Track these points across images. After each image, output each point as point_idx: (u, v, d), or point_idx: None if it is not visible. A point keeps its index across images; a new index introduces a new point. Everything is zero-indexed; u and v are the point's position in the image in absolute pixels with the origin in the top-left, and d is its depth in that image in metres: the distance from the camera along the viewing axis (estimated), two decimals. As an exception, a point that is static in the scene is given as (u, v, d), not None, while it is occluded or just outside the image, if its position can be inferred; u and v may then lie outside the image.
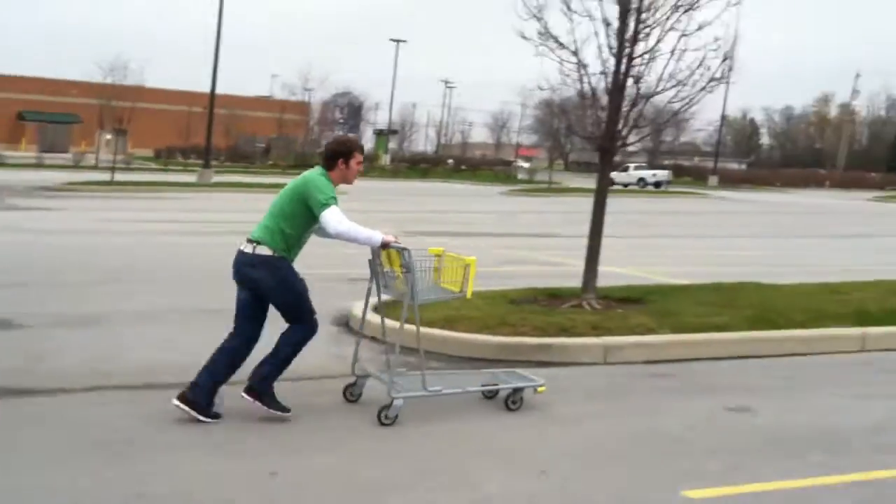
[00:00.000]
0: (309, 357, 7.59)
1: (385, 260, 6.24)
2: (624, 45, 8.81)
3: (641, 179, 62.04)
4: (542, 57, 8.97)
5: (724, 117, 75.47)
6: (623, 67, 8.90)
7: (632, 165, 66.04)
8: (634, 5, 8.71)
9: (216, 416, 5.87)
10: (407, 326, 6.14)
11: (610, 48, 8.86)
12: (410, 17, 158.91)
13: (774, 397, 7.03)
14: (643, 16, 8.71)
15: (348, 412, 6.23)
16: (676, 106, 9.21)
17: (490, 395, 6.60)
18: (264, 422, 5.87)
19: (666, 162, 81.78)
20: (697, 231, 25.30)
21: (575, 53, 8.96)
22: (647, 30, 8.74)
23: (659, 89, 8.87)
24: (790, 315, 9.19)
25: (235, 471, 4.97)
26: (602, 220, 9.49)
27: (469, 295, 6.30)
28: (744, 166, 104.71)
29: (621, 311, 9.06)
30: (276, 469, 5.00)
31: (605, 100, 9.09)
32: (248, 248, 6.02)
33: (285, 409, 5.96)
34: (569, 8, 8.92)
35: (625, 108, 8.99)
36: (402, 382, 6.13)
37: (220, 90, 42.44)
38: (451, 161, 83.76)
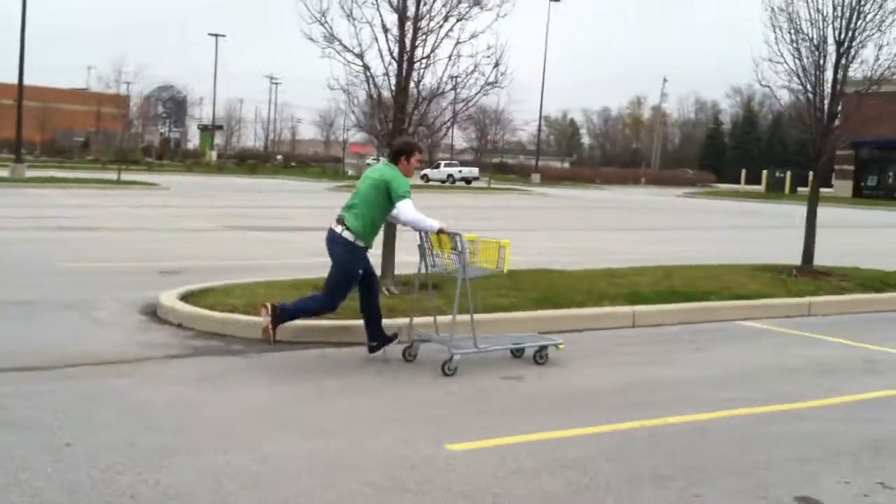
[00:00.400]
0: (111, 343, 7.89)
1: (436, 243, 7.67)
2: (404, 49, 9.44)
3: (450, 176, 64.89)
4: (330, 59, 9.49)
5: (541, 118, 78.55)
6: (404, 71, 9.53)
7: (443, 163, 69.36)
8: (410, 13, 9.34)
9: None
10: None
11: (391, 53, 9.48)
12: (232, 12, 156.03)
13: (547, 367, 7.81)
14: (420, 23, 9.35)
15: (143, 390, 6.56)
16: (458, 107, 9.94)
17: (518, 354, 7.99)
18: (63, 400, 6.15)
19: (494, 160, 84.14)
20: (513, 224, 26.45)
21: (360, 56, 9.52)
22: (424, 37, 9.39)
23: (439, 91, 9.57)
24: (571, 296, 10.09)
25: (30, 443, 5.25)
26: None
27: (506, 270, 7.70)
28: (567, 164, 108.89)
29: (417, 295, 9.69)
30: (71, 441, 5.30)
31: (390, 100, 9.69)
32: (338, 229, 7.47)
33: (270, 341, 7.49)
34: (350, 14, 9.46)
35: (409, 108, 9.62)
36: (459, 343, 7.45)
37: (31, 81, 40.86)
38: (279, 157, 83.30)
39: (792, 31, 12.16)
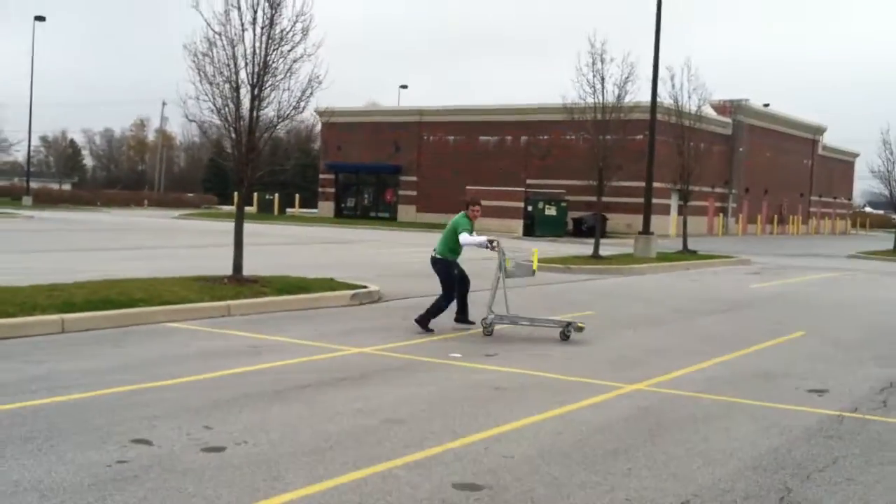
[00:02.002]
0: None
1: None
2: None
3: None
4: None
5: (31, 137, 75.14)
6: None
7: None
8: None
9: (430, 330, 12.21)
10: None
11: None
12: None
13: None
14: None
15: None
16: None
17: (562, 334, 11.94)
18: None
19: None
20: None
21: None
22: None
23: None
24: (3, 308, 11.00)
25: None
26: None
27: (535, 268, 12.75)
28: (68, 186, 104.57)
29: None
30: None
31: None
32: (435, 254, 12.48)
33: (429, 330, 12.14)
34: None
35: None
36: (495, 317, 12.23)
37: None
38: None
39: (214, 73, 14.14)
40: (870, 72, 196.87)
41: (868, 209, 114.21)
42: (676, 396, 8.91)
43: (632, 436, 7.35)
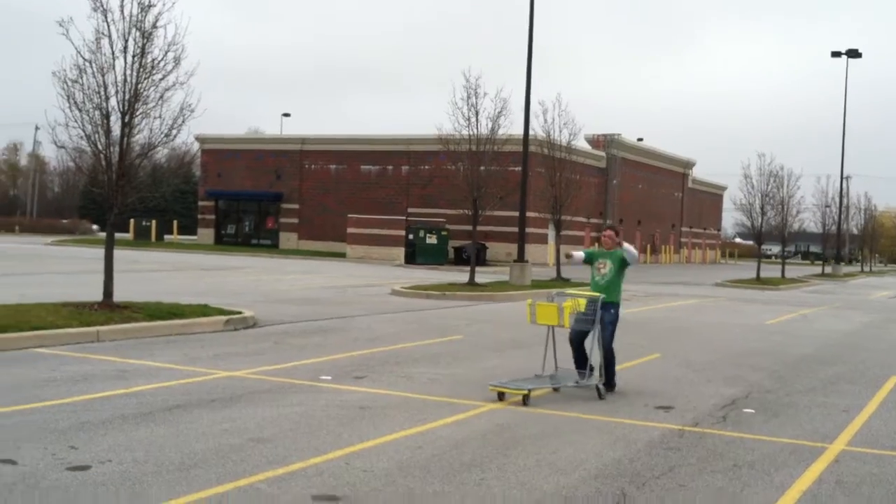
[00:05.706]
0: None
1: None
2: None
3: None
4: None
5: None
6: None
7: None
8: None
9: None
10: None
11: None
12: None
13: None
14: None
15: None
16: None
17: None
18: None
19: None
20: None
21: None
22: None
23: None
24: None
25: None
26: None
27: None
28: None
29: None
30: None
31: None
32: None
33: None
34: None
35: None
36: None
37: None
38: None
39: (84, 100, 14.12)
40: (738, 107, 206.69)
41: (738, 240, 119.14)
42: (534, 413, 9.41)
43: (487, 450, 7.79)
